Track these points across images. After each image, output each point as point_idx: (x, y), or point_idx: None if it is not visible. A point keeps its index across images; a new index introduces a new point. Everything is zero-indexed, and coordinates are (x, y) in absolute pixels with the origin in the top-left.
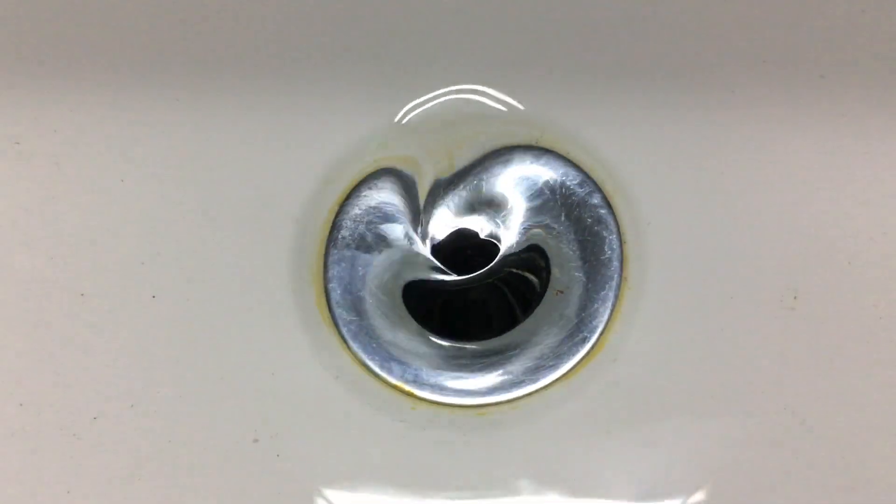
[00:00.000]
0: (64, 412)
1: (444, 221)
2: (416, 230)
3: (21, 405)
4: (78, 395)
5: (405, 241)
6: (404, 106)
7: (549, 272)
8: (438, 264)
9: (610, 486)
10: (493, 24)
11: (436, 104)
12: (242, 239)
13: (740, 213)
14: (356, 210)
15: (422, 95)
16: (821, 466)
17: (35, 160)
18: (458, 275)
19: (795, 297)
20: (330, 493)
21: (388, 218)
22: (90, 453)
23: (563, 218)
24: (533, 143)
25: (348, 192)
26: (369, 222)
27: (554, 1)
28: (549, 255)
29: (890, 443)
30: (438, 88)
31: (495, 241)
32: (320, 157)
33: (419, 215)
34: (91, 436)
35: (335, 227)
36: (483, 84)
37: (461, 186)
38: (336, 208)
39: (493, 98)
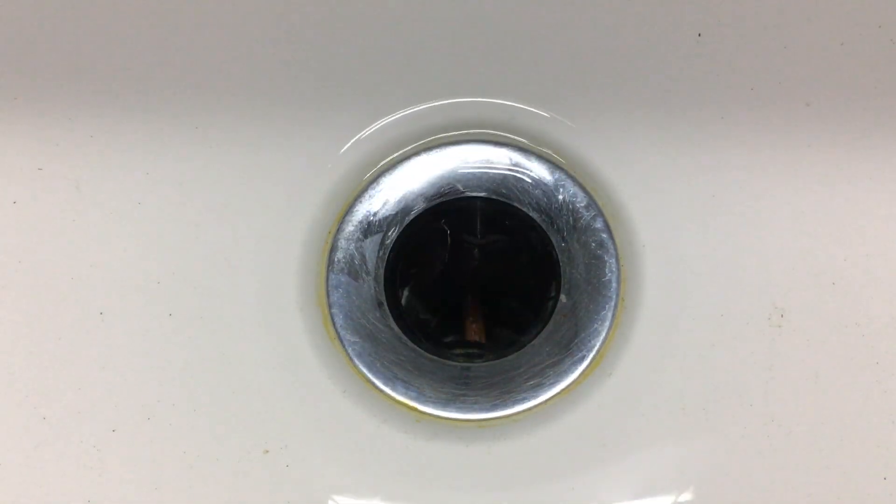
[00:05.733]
0: (84, 425)
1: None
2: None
3: (44, 419)
4: (97, 408)
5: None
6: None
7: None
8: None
9: (605, 496)
10: (497, 53)
11: (438, 115)
12: (254, 256)
13: (730, 236)
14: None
15: (427, 104)
16: (805, 476)
17: (56, 184)
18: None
19: (782, 316)
20: (338, 501)
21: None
22: (109, 464)
23: (573, 241)
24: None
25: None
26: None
27: (556, 34)
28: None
29: (872, 453)
30: (441, 100)
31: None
32: (325, 180)
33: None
34: (110, 447)
35: (333, 248)
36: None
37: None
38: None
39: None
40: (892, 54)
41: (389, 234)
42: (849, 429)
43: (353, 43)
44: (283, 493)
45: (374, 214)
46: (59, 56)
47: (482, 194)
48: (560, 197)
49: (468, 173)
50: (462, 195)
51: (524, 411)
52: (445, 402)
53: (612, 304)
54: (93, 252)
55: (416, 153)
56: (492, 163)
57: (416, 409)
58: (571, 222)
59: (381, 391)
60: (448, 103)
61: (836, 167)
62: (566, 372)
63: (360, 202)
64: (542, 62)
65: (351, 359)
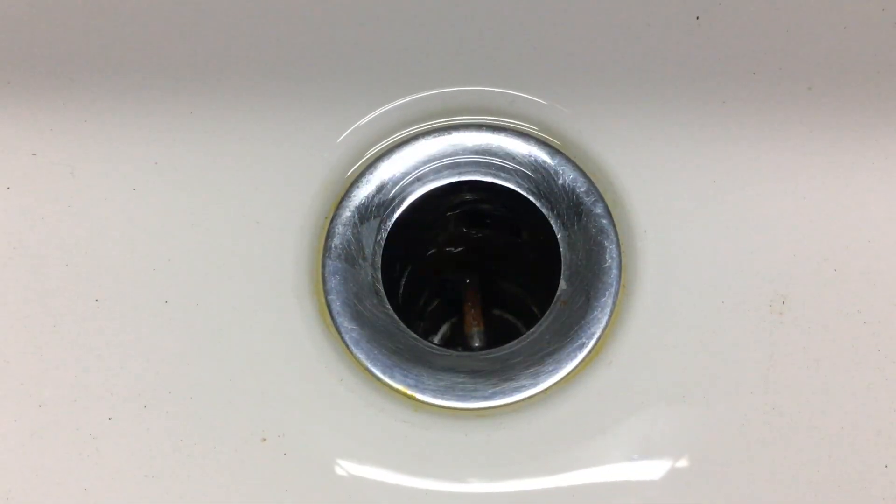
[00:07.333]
0: (80, 413)
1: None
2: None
3: (40, 406)
4: (93, 396)
5: None
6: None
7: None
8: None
9: (605, 484)
10: (496, 40)
11: (437, 102)
12: (250, 243)
13: (731, 222)
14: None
15: (425, 92)
16: (806, 464)
17: (51, 170)
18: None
19: (784, 303)
20: (336, 489)
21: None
22: (105, 452)
23: (573, 227)
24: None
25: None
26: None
27: (553, 20)
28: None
29: (873, 441)
30: (440, 88)
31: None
32: (322, 166)
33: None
34: (106, 435)
35: (330, 234)
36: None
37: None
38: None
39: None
40: (895, 38)
41: (387, 219)
42: (850, 417)
43: (354, 30)
44: (280, 482)
45: (372, 200)
46: (53, 40)
47: (481, 179)
48: (560, 182)
49: (467, 158)
50: (460, 180)
51: (523, 399)
52: (444, 391)
53: (613, 290)
54: (88, 238)
55: (413, 138)
56: (491, 148)
57: (414, 398)
58: (572, 207)
59: (379, 379)
60: (446, 91)
61: (838, 153)
62: (566, 360)
63: (358, 187)
64: (539, 48)
65: (348, 346)
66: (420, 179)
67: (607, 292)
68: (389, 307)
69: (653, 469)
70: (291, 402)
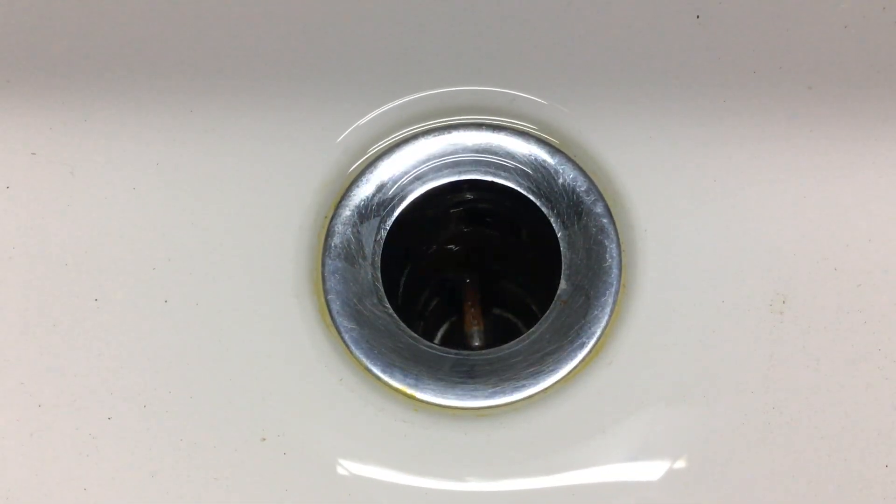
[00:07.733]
0: (80, 413)
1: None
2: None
3: (40, 406)
4: (93, 396)
5: None
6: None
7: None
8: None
9: (605, 483)
10: (495, 39)
11: (436, 101)
12: (250, 242)
13: (731, 221)
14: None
15: (425, 92)
16: (807, 464)
17: (51, 169)
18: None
19: (784, 302)
20: (336, 488)
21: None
22: (105, 452)
23: (573, 226)
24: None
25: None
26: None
27: (553, 19)
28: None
29: (873, 440)
30: (439, 88)
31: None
32: (322, 165)
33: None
34: (106, 435)
35: (330, 233)
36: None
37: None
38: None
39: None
40: (895, 38)
41: (386, 218)
42: (850, 416)
43: (354, 29)
44: (280, 481)
45: (371, 199)
46: (53, 40)
47: (481, 178)
48: (560, 181)
49: (466, 157)
50: (460, 179)
51: (524, 399)
52: (444, 390)
53: (613, 290)
54: (87, 238)
55: (413, 137)
56: (491, 147)
57: (414, 398)
58: (572, 207)
59: (379, 379)
60: (446, 90)
61: (838, 152)
62: (566, 359)
63: (357, 186)
64: (539, 48)
65: (348, 346)
66: (420, 178)
67: (607, 292)
68: (389, 306)
69: (653, 469)
70: (291, 401)
